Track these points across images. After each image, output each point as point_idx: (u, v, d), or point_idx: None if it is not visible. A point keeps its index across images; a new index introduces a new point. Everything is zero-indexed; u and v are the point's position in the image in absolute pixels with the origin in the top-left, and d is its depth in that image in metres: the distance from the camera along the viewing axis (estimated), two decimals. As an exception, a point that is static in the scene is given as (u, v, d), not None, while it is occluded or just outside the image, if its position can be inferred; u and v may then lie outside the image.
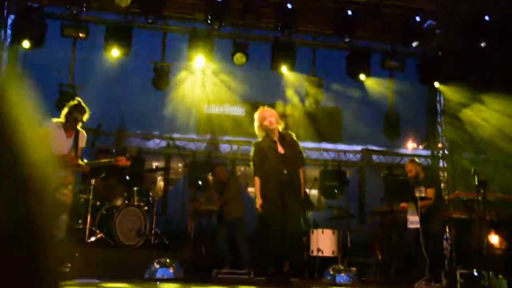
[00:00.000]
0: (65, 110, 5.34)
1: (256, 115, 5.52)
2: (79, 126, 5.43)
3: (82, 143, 5.43)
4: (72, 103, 5.41)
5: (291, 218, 5.20)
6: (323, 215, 8.70)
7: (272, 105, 9.49)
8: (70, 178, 5.21)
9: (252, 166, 5.53)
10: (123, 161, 5.53)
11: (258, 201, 5.27)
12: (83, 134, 5.46)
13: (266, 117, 5.41)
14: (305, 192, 8.01)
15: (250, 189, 10.71)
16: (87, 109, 5.41)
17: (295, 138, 5.60)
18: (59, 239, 4.90)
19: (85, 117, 5.40)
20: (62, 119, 5.34)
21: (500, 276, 5.49)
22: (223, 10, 9.16)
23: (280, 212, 5.13)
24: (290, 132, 5.68)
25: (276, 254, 5.29)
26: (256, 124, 5.52)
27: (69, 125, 5.32)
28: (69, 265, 5.24)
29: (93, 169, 7.31)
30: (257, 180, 5.38)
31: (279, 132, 5.51)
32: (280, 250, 5.19)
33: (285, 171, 5.24)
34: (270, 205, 5.23)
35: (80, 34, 9.24)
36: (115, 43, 9.26)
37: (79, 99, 5.53)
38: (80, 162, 5.36)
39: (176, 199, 9.27)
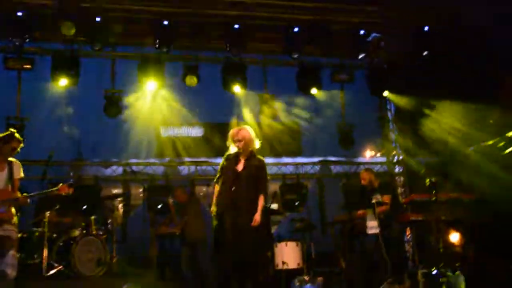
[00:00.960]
0: None
1: (230, 135, 5.66)
2: (11, 158, 5.18)
3: (18, 174, 5.18)
4: (6, 133, 5.16)
5: (240, 238, 5.26)
6: (286, 228, 8.74)
7: (227, 125, 9.62)
8: (10, 213, 4.99)
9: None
10: (65, 189, 5.30)
11: (212, 208, 5.51)
12: (18, 164, 5.21)
13: (236, 140, 5.53)
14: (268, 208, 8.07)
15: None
16: (20, 138, 5.21)
17: (261, 164, 5.63)
18: (10, 277, 4.72)
19: (19, 147, 5.19)
20: None
21: (458, 272, 5.65)
22: (171, 34, 9.16)
23: (227, 229, 5.24)
24: (260, 157, 5.68)
25: (229, 271, 5.34)
26: (228, 141, 5.68)
27: (2, 157, 5.08)
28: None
29: (46, 201, 7.17)
30: (215, 188, 5.64)
31: (251, 152, 5.59)
32: (231, 267, 5.26)
33: (233, 188, 5.35)
34: (219, 218, 5.35)
35: (25, 66, 9.02)
36: (63, 72, 9.06)
37: (12, 129, 5.29)
38: (19, 194, 5.13)
39: (137, 225, 9.09)
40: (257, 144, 5.65)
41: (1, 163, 5.10)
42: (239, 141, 5.50)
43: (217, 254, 5.46)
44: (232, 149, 5.65)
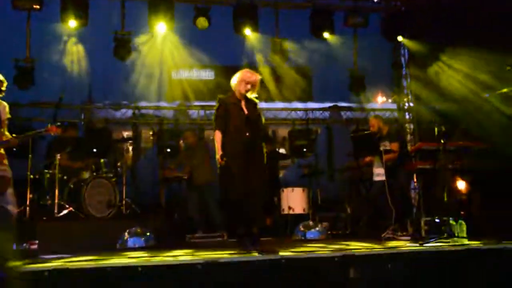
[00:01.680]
0: None
1: (242, 75, 5.39)
2: None
3: (4, 114, 5.14)
4: None
5: (254, 179, 5.25)
6: (293, 174, 8.82)
7: (239, 68, 9.51)
8: (1, 154, 5.02)
9: (214, 119, 5.51)
10: (53, 130, 5.30)
11: (219, 153, 5.26)
12: (3, 105, 5.09)
13: (251, 83, 5.33)
14: (277, 151, 8.14)
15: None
16: (2, 78, 5.13)
17: (258, 107, 5.59)
18: (11, 213, 4.84)
19: (4, 86, 5.11)
20: None
21: (460, 221, 5.70)
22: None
23: (243, 171, 5.20)
24: (254, 98, 5.66)
25: (242, 215, 5.38)
26: (235, 81, 5.42)
27: None
28: (36, 241, 5.25)
29: (56, 144, 7.28)
30: (218, 134, 5.38)
31: (246, 96, 5.54)
32: (246, 210, 5.28)
33: (247, 133, 5.28)
34: (233, 163, 5.26)
35: (34, 6, 8.90)
36: (72, 13, 8.96)
37: None
38: (8, 135, 5.14)
39: (146, 168, 9.26)
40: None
41: None
42: (253, 85, 5.38)
43: (227, 199, 5.49)
44: (237, 87, 5.39)
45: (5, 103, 5.12)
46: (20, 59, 8.98)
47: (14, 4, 8.90)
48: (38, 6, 9.01)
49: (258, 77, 5.49)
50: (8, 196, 4.84)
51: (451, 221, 5.73)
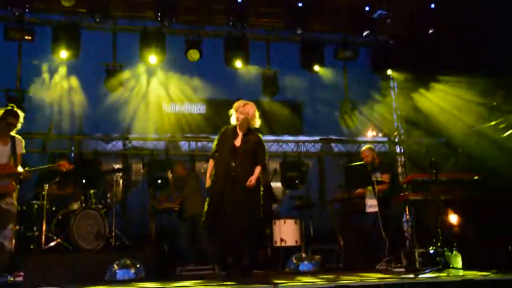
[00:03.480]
0: None
1: (234, 104, 5.64)
2: (13, 133, 5.23)
3: (20, 149, 5.24)
4: (4, 108, 5.20)
5: (238, 211, 5.25)
6: (285, 206, 8.74)
7: (229, 102, 9.53)
8: (12, 187, 5.04)
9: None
10: (65, 165, 5.39)
11: (207, 182, 5.54)
12: (20, 140, 5.27)
13: (239, 112, 5.51)
14: (269, 186, 8.10)
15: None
16: (20, 114, 5.24)
17: (259, 140, 5.64)
18: (7, 249, 4.79)
19: (20, 122, 5.22)
20: None
21: (455, 251, 5.66)
22: (173, 7, 9.05)
23: (224, 202, 5.25)
24: (258, 134, 5.71)
25: (225, 246, 5.37)
26: (231, 113, 5.64)
27: (2, 132, 5.12)
28: (22, 273, 5.14)
29: (46, 175, 7.18)
30: (210, 162, 5.68)
31: (249, 128, 5.60)
32: (227, 242, 5.28)
33: (232, 164, 5.34)
34: (215, 195, 5.34)
35: (26, 37, 8.91)
36: (63, 44, 8.97)
37: (12, 104, 5.32)
38: (20, 169, 5.17)
39: (136, 199, 9.12)
40: (257, 123, 5.66)
41: (3, 137, 5.11)
42: (242, 114, 5.50)
43: (214, 230, 5.47)
44: (232, 119, 5.64)
45: (21, 138, 5.23)
46: (11, 89, 8.95)
47: (7, 35, 8.93)
48: (30, 37, 9.02)
49: (249, 107, 5.54)
50: (8, 231, 4.83)
51: (446, 252, 5.69)
